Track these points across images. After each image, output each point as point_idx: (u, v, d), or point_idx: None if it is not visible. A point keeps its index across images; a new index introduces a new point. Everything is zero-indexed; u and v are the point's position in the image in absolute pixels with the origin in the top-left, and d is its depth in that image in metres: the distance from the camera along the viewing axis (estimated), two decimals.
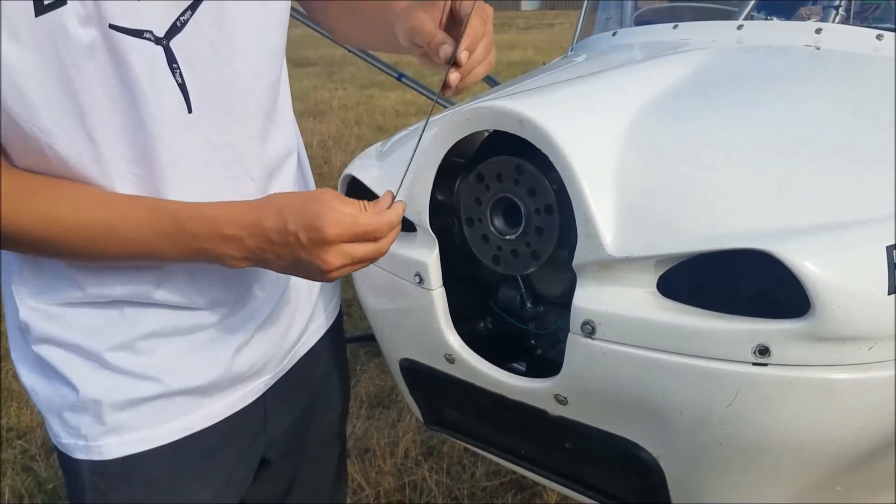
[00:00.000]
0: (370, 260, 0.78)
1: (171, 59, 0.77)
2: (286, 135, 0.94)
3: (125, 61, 0.73)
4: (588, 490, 1.01)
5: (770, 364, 0.75)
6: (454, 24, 0.82)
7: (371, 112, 7.25)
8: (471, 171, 0.93)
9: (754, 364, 0.76)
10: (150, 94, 0.76)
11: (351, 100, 7.92)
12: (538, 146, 0.84)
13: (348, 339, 2.74)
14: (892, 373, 0.77)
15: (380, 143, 1.17)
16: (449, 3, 0.82)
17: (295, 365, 1.02)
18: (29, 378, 0.89)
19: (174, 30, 0.77)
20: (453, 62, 0.78)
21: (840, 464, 0.84)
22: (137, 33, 0.74)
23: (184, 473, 0.91)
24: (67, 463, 0.89)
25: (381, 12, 0.93)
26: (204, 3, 0.77)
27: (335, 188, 1.11)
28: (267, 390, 0.98)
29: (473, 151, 0.96)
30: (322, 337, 1.07)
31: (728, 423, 0.80)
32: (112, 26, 0.72)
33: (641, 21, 1.76)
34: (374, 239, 0.77)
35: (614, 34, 1.58)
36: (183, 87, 0.79)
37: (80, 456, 0.87)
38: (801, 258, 0.72)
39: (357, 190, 1.08)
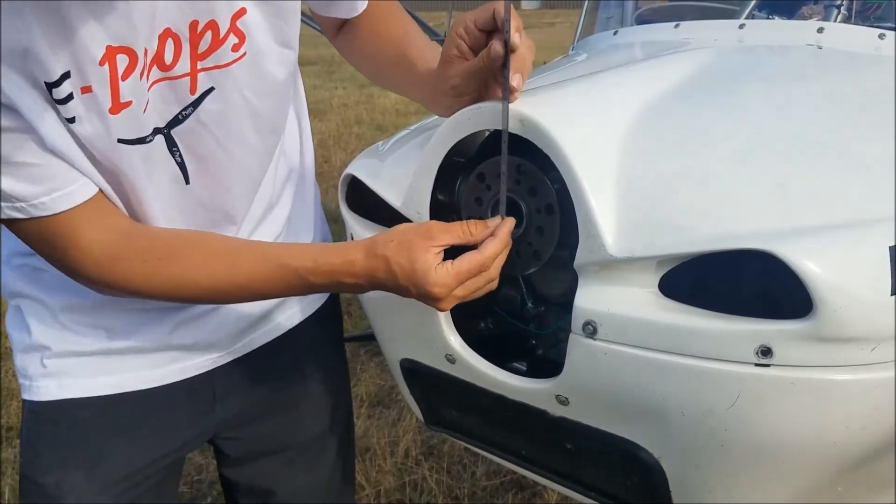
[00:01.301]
0: (484, 290, 0.84)
1: (171, 144, 0.84)
2: (274, 182, 1.01)
3: (124, 156, 0.80)
4: (588, 490, 1.00)
5: (772, 365, 0.75)
6: (477, 47, 0.85)
7: (371, 111, 7.25)
8: (471, 171, 0.92)
9: (756, 365, 0.76)
10: (148, 178, 0.83)
11: (351, 99, 7.92)
12: (539, 146, 0.83)
13: (348, 338, 2.75)
14: (894, 373, 0.77)
15: (380, 143, 1.17)
16: (464, 36, 0.85)
17: (256, 351, 1.05)
18: (7, 326, 0.99)
19: (175, 122, 0.83)
20: (506, 61, 0.80)
21: (841, 464, 0.83)
22: (141, 140, 0.80)
23: (111, 426, 0.97)
24: (22, 404, 0.98)
25: (405, 75, 0.99)
26: (206, 100, 0.82)
27: (335, 188, 1.11)
28: (216, 369, 1.02)
29: (474, 151, 0.95)
30: (297, 330, 1.08)
31: (730, 423, 0.79)
32: (120, 140, 0.78)
33: (642, 20, 1.76)
34: (480, 272, 0.82)
35: (615, 33, 1.58)
36: (182, 165, 0.86)
37: (25, 396, 0.96)
38: (804, 258, 0.71)
39: (358, 189, 1.08)
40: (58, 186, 0.76)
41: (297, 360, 1.11)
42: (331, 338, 1.19)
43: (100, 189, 0.81)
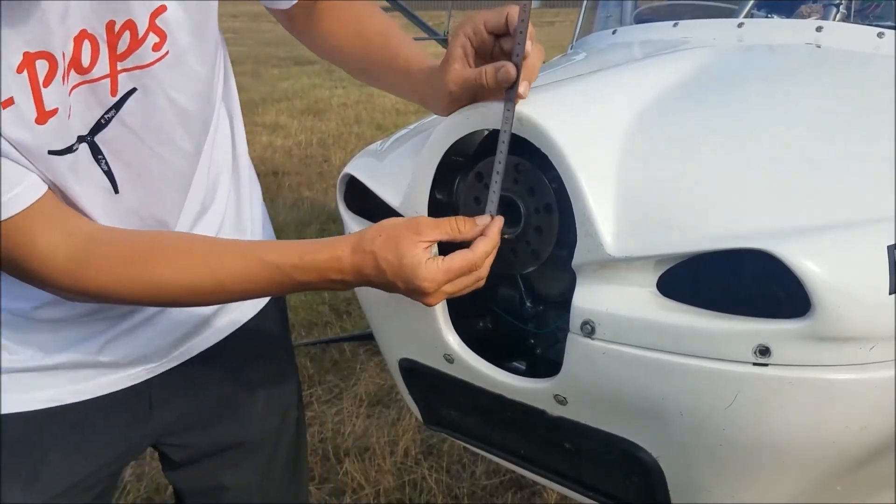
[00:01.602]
0: (472, 288, 0.83)
1: (95, 152, 0.81)
2: (206, 181, 0.99)
3: (54, 167, 0.77)
4: (588, 490, 1.00)
5: (770, 364, 0.75)
6: (483, 49, 0.85)
7: (370, 111, 7.25)
8: (470, 171, 0.92)
9: (755, 364, 0.76)
10: (78, 188, 0.81)
11: (350, 98, 7.92)
12: (537, 145, 0.83)
13: (347, 338, 2.75)
14: (893, 373, 0.77)
15: (379, 142, 1.17)
16: (471, 36, 0.84)
17: (195, 357, 1.04)
18: None
19: (98, 127, 0.80)
20: (518, 69, 0.80)
21: (840, 464, 0.83)
22: (69, 150, 0.78)
23: (46, 440, 0.96)
24: None
25: (393, 76, 0.98)
26: (128, 101, 0.80)
27: (334, 187, 1.11)
28: (153, 378, 1.02)
29: (472, 150, 0.95)
30: (240, 331, 1.08)
31: (728, 423, 0.79)
32: (50, 152, 0.76)
33: (641, 19, 1.75)
34: (471, 271, 0.81)
35: (614, 32, 1.58)
36: (109, 173, 0.83)
37: None
38: (802, 258, 0.71)
39: (356, 189, 1.08)
40: (5, 190, 0.73)
41: (242, 362, 1.09)
42: (276, 334, 1.17)
43: (50, 189, 0.78)
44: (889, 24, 1.31)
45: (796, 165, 0.89)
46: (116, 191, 0.85)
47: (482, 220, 0.84)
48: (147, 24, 0.77)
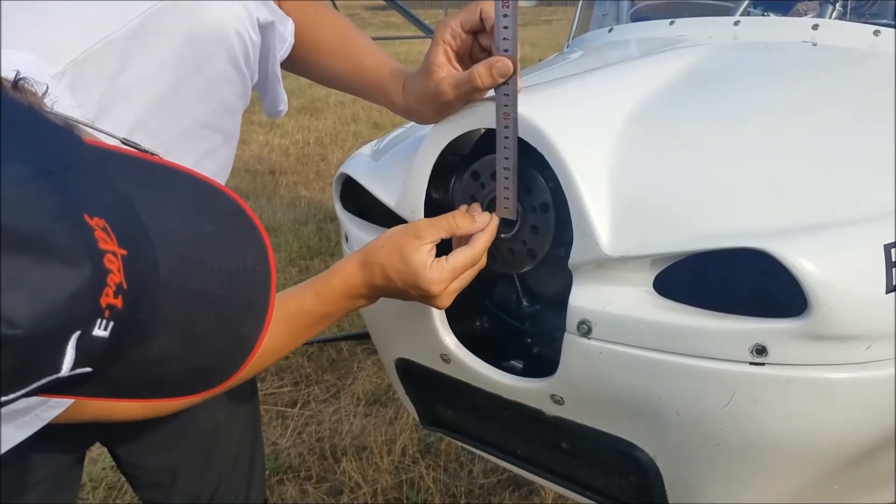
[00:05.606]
0: (473, 276, 0.87)
1: None
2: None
3: None
4: (585, 490, 1.00)
5: (767, 363, 0.75)
6: (463, 50, 0.84)
7: (367, 109, 7.23)
8: (466, 170, 0.92)
9: (751, 364, 0.75)
10: None
11: (347, 96, 7.88)
12: (533, 144, 0.83)
13: (345, 336, 2.74)
14: (891, 371, 0.77)
15: (374, 142, 1.17)
16: (450, 42, 0.83)
17: None
18: None
19: None
20: (515, 68, 0.80)
21: (838, 463, 0.83)
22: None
23: None
24: None
25: (359, 86, 0.96)
26: None
27: (331, 186, 1.10)
28: None
29: (468, 149, 0.95)
30: None
31: (725, 422, 0.79)
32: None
33: (638, 17, 1.75)
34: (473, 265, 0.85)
35: (610, 30, 1.58)
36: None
37: None
38: (799, 257, 0.71)
39: (352, 188, 1.07)
40: None
41: None
42: None
43: None
44: (885, 21, 1.31)
45: (793, 164, 0.89)
46: None
47: (475, 210, 0.88)
48: None
